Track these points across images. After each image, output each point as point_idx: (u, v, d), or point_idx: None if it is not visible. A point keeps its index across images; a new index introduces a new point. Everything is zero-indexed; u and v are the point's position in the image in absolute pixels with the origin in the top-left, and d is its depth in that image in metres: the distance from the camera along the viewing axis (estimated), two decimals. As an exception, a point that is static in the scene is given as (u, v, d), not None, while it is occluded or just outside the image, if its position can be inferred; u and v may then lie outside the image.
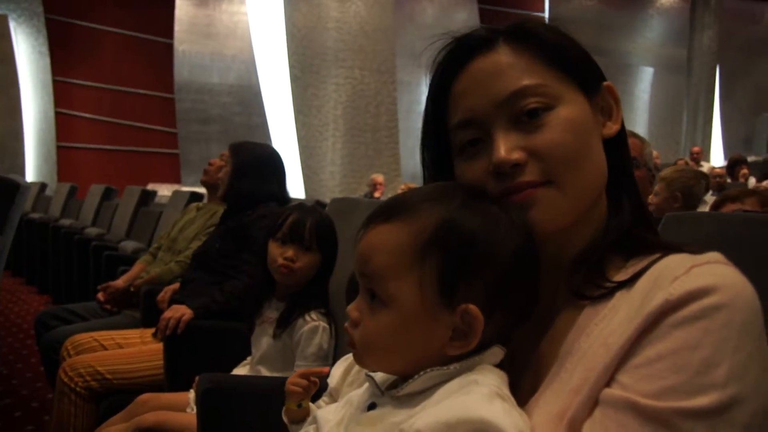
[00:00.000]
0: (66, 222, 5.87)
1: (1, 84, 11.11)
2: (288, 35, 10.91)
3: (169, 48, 12.00)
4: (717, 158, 14.32)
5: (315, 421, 0.81)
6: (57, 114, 11.69)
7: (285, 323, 1.65)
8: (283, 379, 1.56)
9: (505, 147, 0.70)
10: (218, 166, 2.70)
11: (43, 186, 8.69)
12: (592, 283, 0.69)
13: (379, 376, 0.73)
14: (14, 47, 11.24)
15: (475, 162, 0.74)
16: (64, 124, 11.77)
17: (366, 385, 0.77)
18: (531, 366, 0.72)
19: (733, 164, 7.70)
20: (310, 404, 1.26)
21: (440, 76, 0.78)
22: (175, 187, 9.24)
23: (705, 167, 8.25)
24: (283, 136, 11.74)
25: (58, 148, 11.70)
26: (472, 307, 0.66)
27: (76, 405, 2.04)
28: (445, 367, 0.66)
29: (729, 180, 6.98)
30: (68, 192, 7.25)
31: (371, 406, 0.71)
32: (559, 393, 0.65)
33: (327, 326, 1.65)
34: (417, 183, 10.04)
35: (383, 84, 11.08)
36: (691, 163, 8.24)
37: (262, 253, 1.74)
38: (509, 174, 0.70)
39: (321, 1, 10.94)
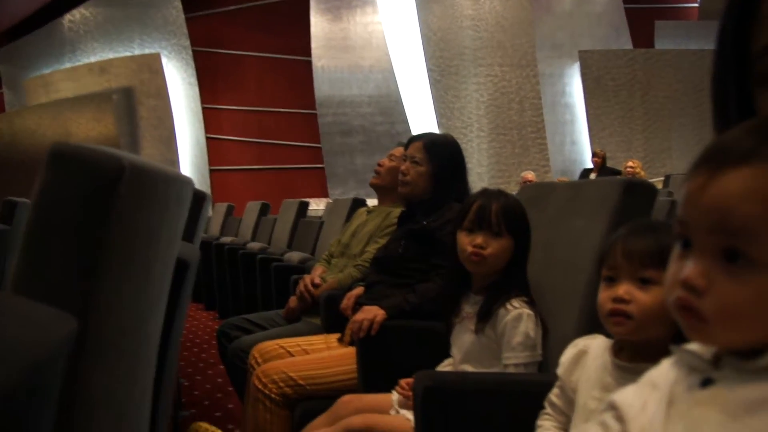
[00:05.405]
0: (227, 239, 6.10)
1: (158, 117, 11.90)
2: (424, 39, 10.92)
3: (308, 65, 12.36)
4: None
5: (613, 407, 0.70)
6: (208, 139, 12.34)
7: (486, 315, 1.54)
8: (509, 375, 1.46)
9: None
10: (388, 168, 2.63)
11: (201, 207, 9.10)
12: None
13: (696, 348, 0.62)
14: (166, 81, 11.99)
15: None
16: (214, 149, 12.41)
17: (667, 362, 0.66)
18: None
19: None
20: None
21: None
22: (323, 200, 9.44)
23: None
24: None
25: (211, 171, 12.33)
26: None
27: (272, 411, 2.02)
28: None
29: None
30: (226, 211, 7.56)
31: (706, 382, 0.60)
32: None
33: (531, 313, 1.52)
34: (569, 177, 9.81)
35: (525, 79, 10.83)
36: None
37: (452, 251, 1.65)
38: None
39: (454, 0, 10.85)
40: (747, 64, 0.67)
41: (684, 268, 0.59)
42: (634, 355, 1.06)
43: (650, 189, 1.46)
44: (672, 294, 0.60)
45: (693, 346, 0.63)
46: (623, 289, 1.04)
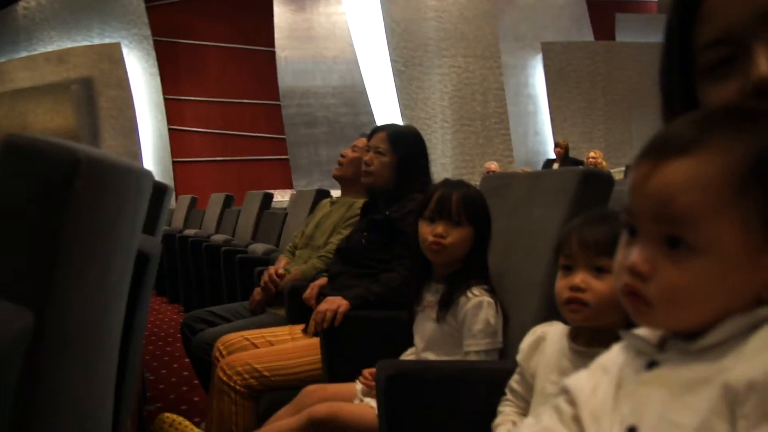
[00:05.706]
0: (191, 232, 6.03)
1: (119, 108, 11.67)
2: (387, 30, 10.93)
3: (272, 56, 12.25)
4: None
5: (565, 391, 0.72)
6: (170, 131, 12.16)
7: (447, 304, 1.57)
8: (470, 363, 1.48)
9: None
10: (351, 159, 2.63)
11: (164, 200, 8.99)
12: None
13: (644, 332, 0.65)
14: (127, 72, 11.78)
15: (727, 83, 0.64)
16: (177, 140, 12.23)
17: (617, 347, 0.69)
18: None
19: None
20: None
21: None
22: (288, 191, 9.40)
23: None
24: (391, 132, 11.77)
25: (174, 163, 12.17)
26: None
27: (236, 403, 2.02)
28: (753, 313, 0.57)
29: None
30: (189, 203, 7.47)
31: (651, 364, 0.63)
32: None
33: (491, 301, 1.54)
34: (532, 167, 9.94)
35: (488, 70, 10.93)
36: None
37: (413, 241, 1.67)
38: None
39: (418, -9, 10.92)
40: (692, 58, 0.70)
41: (630, 255, 0.61)
42: (590, 341, 1.10)
43: (607, 179, 1.49)
44: (619, 280, 0.63)
45: (641, 331, 0.66)
46: (579, 277, 1.07)
